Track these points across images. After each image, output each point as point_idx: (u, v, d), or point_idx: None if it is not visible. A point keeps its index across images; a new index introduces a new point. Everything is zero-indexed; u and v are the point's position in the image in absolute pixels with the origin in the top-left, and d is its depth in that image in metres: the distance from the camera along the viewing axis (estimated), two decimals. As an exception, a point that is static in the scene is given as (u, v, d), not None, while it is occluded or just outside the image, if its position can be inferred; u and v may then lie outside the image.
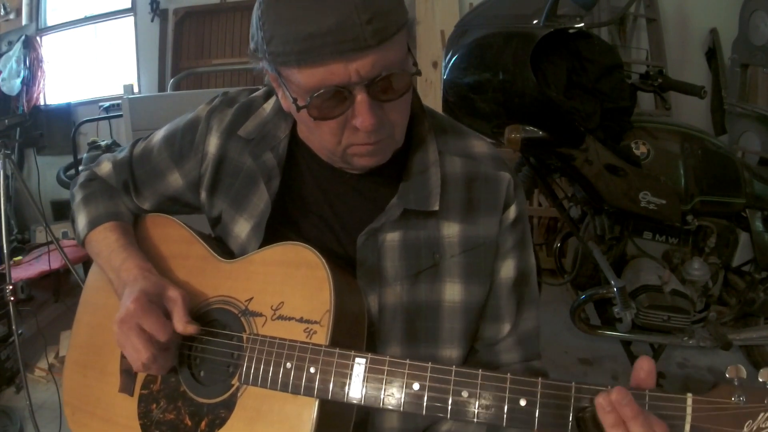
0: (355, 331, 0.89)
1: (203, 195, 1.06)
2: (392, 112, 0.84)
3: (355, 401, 0.81)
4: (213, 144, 1.03)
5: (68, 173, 3.86)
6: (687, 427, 0.69)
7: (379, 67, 0.77)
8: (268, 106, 1.03)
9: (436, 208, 0.93)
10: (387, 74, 0.78)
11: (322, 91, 0.78)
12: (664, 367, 2.75)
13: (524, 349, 1.02)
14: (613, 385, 0.73)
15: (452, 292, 0.96)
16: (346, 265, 0.94)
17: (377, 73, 0.77)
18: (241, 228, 1.01)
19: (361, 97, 0.79)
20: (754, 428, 0.66)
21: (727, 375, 0.70)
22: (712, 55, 3.59)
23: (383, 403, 0.80)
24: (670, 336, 2.32)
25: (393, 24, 0.76)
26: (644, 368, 0.73)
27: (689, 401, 0.69)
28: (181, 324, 0.91)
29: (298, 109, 0.82)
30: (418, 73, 0.84)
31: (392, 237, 0.93)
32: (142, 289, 0.91)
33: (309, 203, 0.99)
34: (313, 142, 0.93)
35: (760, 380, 0.68)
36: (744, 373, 0.69)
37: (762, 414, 0.67)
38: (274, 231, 0.97)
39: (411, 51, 0.84)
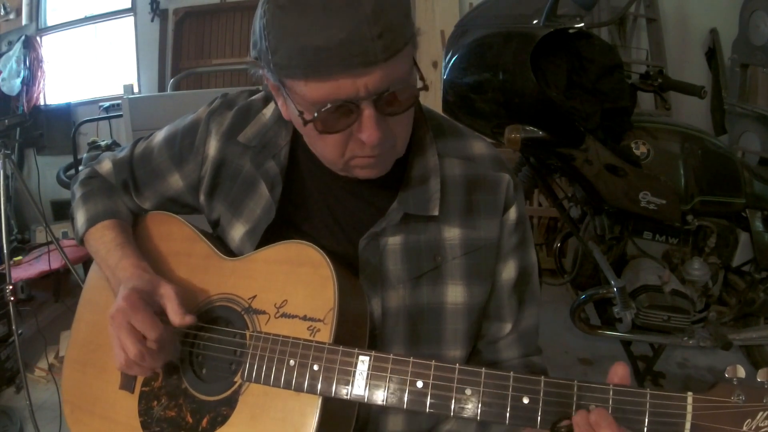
0: (358, 330, 0.89)
1: (202, 198, 1.06)
2: (397, 125, 0.84)
3: (358, 399, 0.81)
4: (212, 147, 1.03)
5: (68, 173, 3.86)
6: (687, 425, 0.69)
7: (387, 81, 0.76)
8: (268, 111, 1.02)
9: (436, 213, 0.93)
10: (394, 90, 0.77)
11: (329, 105, 0.77)
12: (664, 367, 2.75)
13: (524, 345, 1.03)
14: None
15: (455, 293, 0.96)
16: (350, 268, 0.94)
17: (385, 87, 0.76)
18: (237, 232, 1.01)
19: (368, 111, 0.78)
20: (753, 427, 0.67)
21: (726, 375, 0.70)
22: (712, 55, 3.59)
23: (387, 401, 0.80)
24: (670, 336, 2.32)
25: (401, 38, 0.75)
26: (618, 374, 0.74)
27: (689, 400, 0.70)
28: (178, 316, 0.90)
29: (305, 123, 0.81)
30: (425, 88, 0.84)
31: (394, 241, 0.93)
32: (133, 287, 0.91)
33: (310, 207, 0.99)
34: (315, 150, 0.92)
35: (759, 380, 0.69)
36: (743, 373, 0.70)
37: (761, 413, 0.67)
38: (275, 235, 0.97)
39: (417, 65, 0.83)
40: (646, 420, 0.71)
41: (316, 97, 0.76)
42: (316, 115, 0.78)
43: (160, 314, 0.92)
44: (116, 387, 1.01)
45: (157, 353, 0.91)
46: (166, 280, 0.95)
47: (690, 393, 0.70)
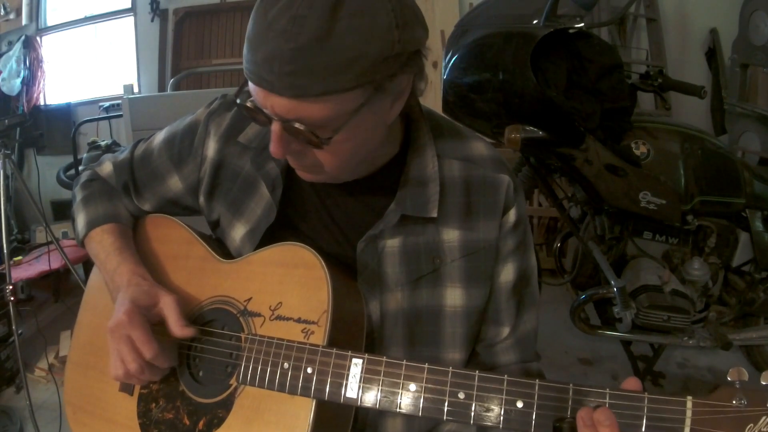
0: (354, 331, 0.89)
1: (201, 199, 1.06)
2: (318, 153, 0.82)
3: (351, 402, 0.81)
4: (211, 148, 1.03)
5: (68, 173, 3.86)
6: (687, 430, 0.68)
7: (293, 114, 0.76)
8: None
9: (434, 215, 0.92)
10: (301, 126, 0.76)
11: (251, 101, 0.80)
12: (664, 367, 2.75)
13: (522, 350, 1.02)
14: (613, 384, 0.73)
15: (453, 296, 0.95)
16: (347, 270, 0.93)
17: (290, 118, 0.76)
18: (237, 232, 1.01)
19: (275, 126, 0.79)
20: (756, 432, 0.65)
21: (728, 378, 0.68)
22: (712, 55, 3.58)
23: (380, 404, 0.79)
24: (670, 336, 2.32)
25: (319, 86, 0.72)
26: (630, 384, 0.73)
27: (689, 404, 0.68)
28: (177, 328, 0.90)
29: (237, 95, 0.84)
30: (326, 143, 0.78)
31: (392, 243, 0.93)
32: (133, 300, 0.91)
33: (308, 209, 0.99)
34: None
35: (763, 383, 0.67)
36: (746, 376, 0.68)
37: (764, 418, 0.65)
38: (273, 235, 0.97)
39: (355, 121, 0.78)
40: (644, 425, 0.69)
41: (252, 91, 0.79)
42: (239, 101, 0.82)
43: (160, 324, 0.92)
44: (116, 389, 1.01)
45: (155, 368, 0.91)
46: (165, 289, 0.95)
47: (689, 397, 0.68)
